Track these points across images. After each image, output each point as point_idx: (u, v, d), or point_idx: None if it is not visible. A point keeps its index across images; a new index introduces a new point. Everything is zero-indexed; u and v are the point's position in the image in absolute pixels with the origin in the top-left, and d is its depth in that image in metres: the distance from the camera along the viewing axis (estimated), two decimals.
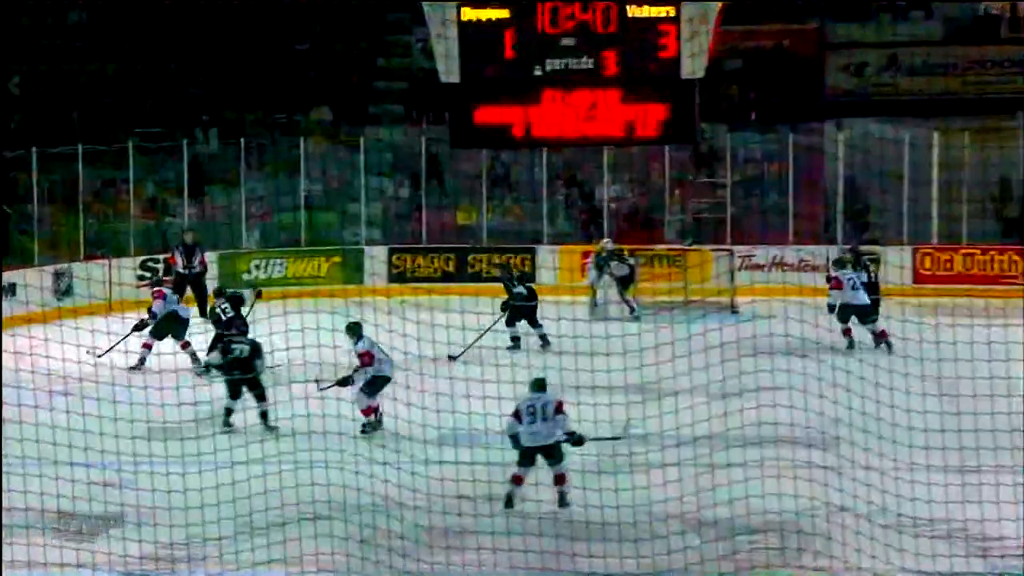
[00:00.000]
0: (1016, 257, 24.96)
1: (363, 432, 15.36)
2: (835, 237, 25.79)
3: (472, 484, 12.91)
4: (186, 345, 19.65)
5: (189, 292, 23.11)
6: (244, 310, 18.61)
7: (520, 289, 20.88)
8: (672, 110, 11.55)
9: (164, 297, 19.93)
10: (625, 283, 23.30)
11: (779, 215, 26.34)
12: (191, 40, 29.34)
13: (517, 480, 13.11)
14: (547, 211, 27.27)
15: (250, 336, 16.52)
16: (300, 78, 29.45)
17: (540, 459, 13.02)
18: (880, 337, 19.50)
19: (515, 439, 13.08)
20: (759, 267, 25.20)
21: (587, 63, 11.39)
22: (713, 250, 25.15)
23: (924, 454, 12.66)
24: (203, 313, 22.97)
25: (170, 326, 19.70)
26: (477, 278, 25.64)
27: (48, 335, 19.99)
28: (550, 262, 25.86)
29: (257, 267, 26.37)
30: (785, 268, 24.37)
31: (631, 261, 23.48)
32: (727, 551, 11.65)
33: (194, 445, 13.53)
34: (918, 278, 24.94)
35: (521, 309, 20.63)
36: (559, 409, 13.06)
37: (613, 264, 23.24)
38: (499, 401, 13.42)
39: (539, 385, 13.22)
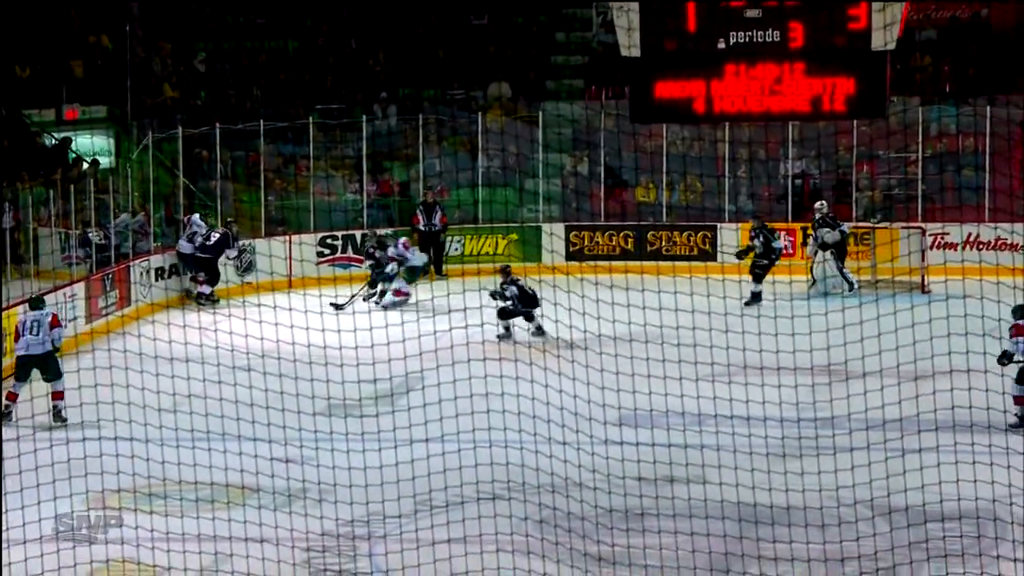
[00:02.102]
0: None
1: None
2: None
3: (653, 466, 12.90)
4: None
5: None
6: None
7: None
8: (861, 83, 11.32)
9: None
10: (839, 253, 23.15)
11: (974, 192, 25.66)
12: (370, 16, 29.73)
13: (1019, 401, 14.82)
14: (729, 188, 27.02)
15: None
16: (478, 53, 29.64)
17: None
18: None
19: (1009, 356, 14.87)
20: (952, 246, 24.64)
21: (773, 36, 11.25)
22: (902, 228, 24.67)
23: None
24: (438, 270, 24.17)
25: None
26: (656, 256, 25.54)
27: (231, 311, 20.64)
28: (732, 240, 25.62)
29: None
30: (981, 247, 23.73)
31: (844, 228, 23.32)
32: (918, 538, 11.45)
33: (373, 423, 13.77)
34: None
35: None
36: None
37: (823, 230, 23.09)
38: (680, 382, 13.39)
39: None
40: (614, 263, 24.32)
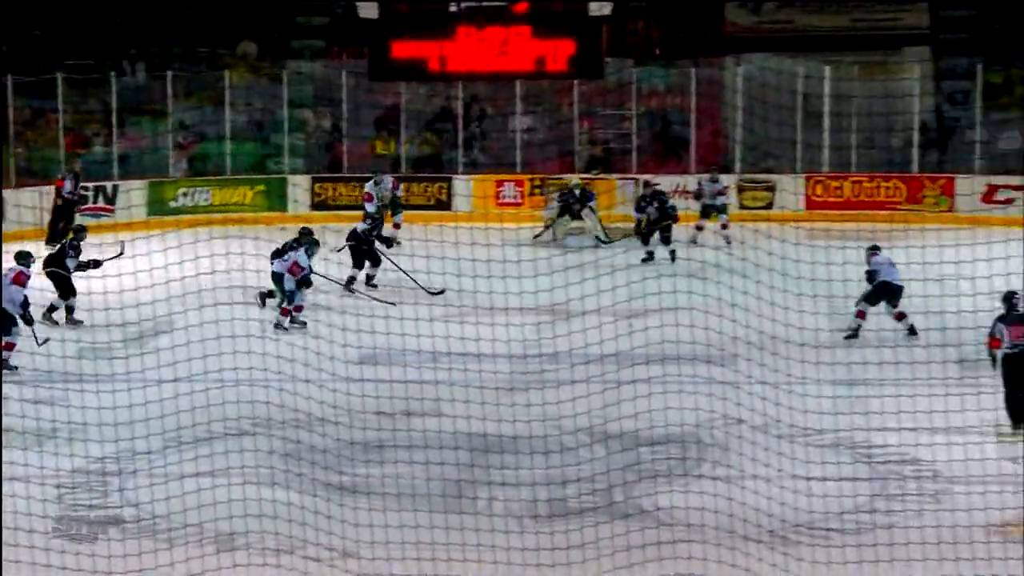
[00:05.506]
0: (900, 184, 25.30)
1: None
2: (732, 166, 25.95)
3: (391, 401, 12.88)
4: None
5: None
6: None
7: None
8: (580, 46, 11.48)
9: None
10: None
11: (680, 143, 26.52)
12: None
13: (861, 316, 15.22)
14: (462, 141, 27.10)
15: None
16: (224, 13, 28.94)
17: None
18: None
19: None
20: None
21: (499, 1, 11.31)
22: (619, 179, 25.18)
23: (815, 369, 12.82)
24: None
25: None
26: (406, 206, 25.38)
27: None
28: (465, 190, 25.76)
29: (184, 195, 25.96)
30: (687, 196, 24.35)
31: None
32: (631, 461, 11.74)
33: (123, 364, 13.38)
34: (810, 204, 25.20)
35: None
36: None
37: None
38: (416, 323, 13.40)
39: None
40: (358, 212, 24.10)
